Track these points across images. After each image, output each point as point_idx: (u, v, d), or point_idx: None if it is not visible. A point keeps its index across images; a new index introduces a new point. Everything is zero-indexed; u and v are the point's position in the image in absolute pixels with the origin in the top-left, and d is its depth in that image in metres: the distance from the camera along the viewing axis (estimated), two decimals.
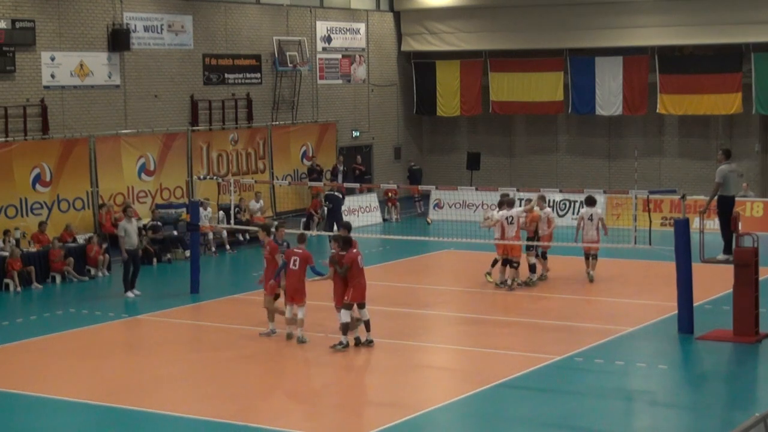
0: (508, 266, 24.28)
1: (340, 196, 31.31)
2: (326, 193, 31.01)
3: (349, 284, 19.03)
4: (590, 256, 25.27)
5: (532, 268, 24.62)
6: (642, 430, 15.27)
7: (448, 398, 16.29)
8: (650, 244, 20.79)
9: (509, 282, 24.27)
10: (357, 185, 29.94)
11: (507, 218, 24.02)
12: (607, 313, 22.08)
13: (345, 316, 19.01)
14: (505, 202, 24.35)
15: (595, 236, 24.97)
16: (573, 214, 33.57)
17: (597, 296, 24.06)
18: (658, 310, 21.61)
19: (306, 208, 34.30)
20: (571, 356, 18.40)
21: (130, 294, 24.06)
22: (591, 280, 25.17)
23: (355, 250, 19.28)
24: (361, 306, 19.05)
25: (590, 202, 25.20)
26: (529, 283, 24.48)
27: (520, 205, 25.18)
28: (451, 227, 29.55)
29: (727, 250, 20.43)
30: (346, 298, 19.04)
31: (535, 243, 24.52)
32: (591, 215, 24.98)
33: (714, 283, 22.90)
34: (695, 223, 24.32)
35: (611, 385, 17.07)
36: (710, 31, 35.95)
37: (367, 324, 19.12)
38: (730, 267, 19.97)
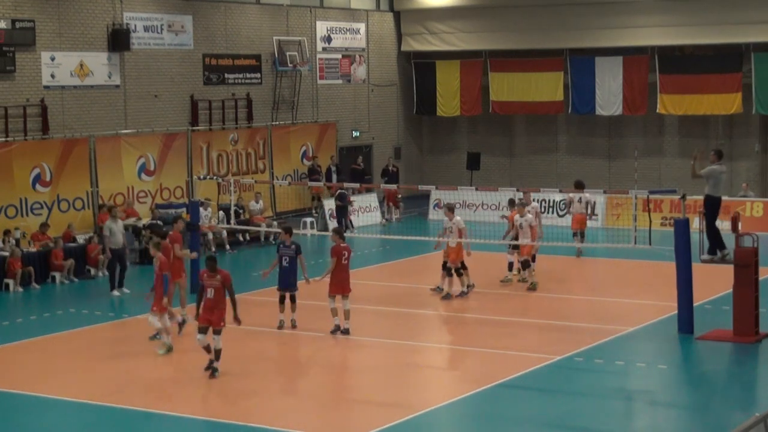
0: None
1: (349, 194, 31.41)
2: (339, 191, 31.01)
3: (213, 306, 17.33)
4: (579, 233, 28.44)
5: (524, 264, 24.53)
6: (642, 430, 15.28)
7: (448, 398, 16.30)
8: (650, 244, 20.79)
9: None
10: (357, 185, 29.93)
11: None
12: (607, 313, 22.08)
13: (155, 321, 19.03)
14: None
15: (584, 213, 28.62)
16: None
17: (597, 296, 24.07)
18: (658, 310, 21.61)
19: (306, 207, 34.36)
20: (571, 356, 18.40)
21: (115, 292, 24.26)
22: (579, 254, 28.16)
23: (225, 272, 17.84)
24: (217, 332, 17.31)
25: (579, 185, 28.32)
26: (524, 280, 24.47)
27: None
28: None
29: (712, 250, 20.43)
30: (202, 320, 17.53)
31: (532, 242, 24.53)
32: (580, 198, 28.15)
33: (714, 283, 22.90)
34: (695, 223, 24.34)
35: (611, 385, 17.08)
36: (710, 31, 35.94)
37: (217, 353, 17.36)
38: (730, 267, 19.97)
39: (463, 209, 33.98)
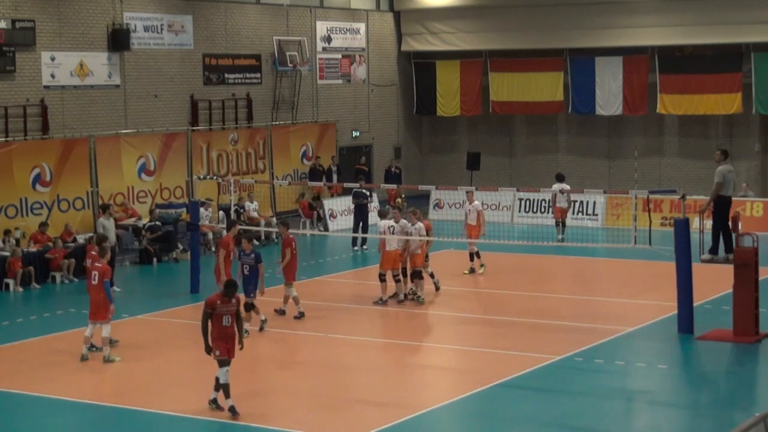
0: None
1: (368, 194, 31.22)
2: (355, 190, 30.87)
3: (232, 334, 15.84)
4: (561, 222, 30.91)
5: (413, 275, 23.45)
6: (642, 430, 15.28)
7: (448, 398, 16.30)
8: (650, 244, 20.78)
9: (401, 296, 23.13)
10: (358, 184, 29.87)
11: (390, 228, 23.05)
12: (607, 313, 22.08)
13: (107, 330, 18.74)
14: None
15: (565, 205, 31.20)
16: (573, 214, 33.58)
17: (597, 296, 24.07)
18: (658, 310, 21.61)
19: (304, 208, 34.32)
20: (571, 356, 18.40)
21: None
22: (562, 240, 30.01)
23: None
24: (228, 363, 15.69)
25: (560, 178, 31.56)
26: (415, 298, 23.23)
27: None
28: (451, 227, 29.52)
29: (714, 249, 20.40)
30: None
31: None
32: (561, 189, 29.83)
33: (714, 283, 22.90)
34: (695, 223, 24.34)
35: (611, 385, 17.08)
36: (710, 31, 35.95)
37: (227, 389, 15.59)
38: (730, 267, 19.97)
39: (463, 209, 33.96)
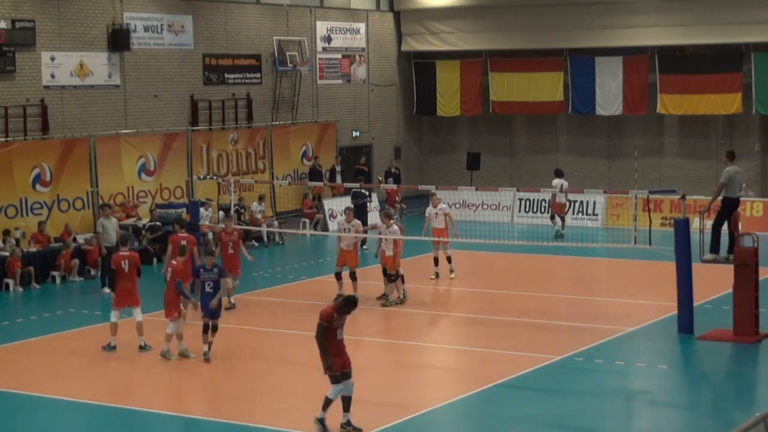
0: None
1: (367, 193, 31.15)
2: (354, 190, 30.78)
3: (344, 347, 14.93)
4: (560, 216, 31.87)
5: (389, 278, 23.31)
6: (642, 430, 15.29)
7: (448, 398, 16.31)
8: (650, 244, 20.79)
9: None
10: (358, 184, 29.84)
11: None
12: (607, 313, 22.08)
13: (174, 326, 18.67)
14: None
15: (564, 200, 32.40)
16: (573, 214, 33.61)
17: (597, 296, 24.07)
18: (658, 310, 21.61)
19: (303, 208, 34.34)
20: (571, 356, 18.40)
21: (106, 290, 24.32)
22: (562, 236, 31.10)
23: None
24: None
25: (559, 174, 32.58)
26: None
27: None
28: (451, 227, 29.47)
29: (714, 249, 20.36)
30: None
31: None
32: (561, 185, 31.01)
33: (714, 283, 22.89)
34: (695, 223, 24.35)
35: (611, 385, 17.08)
36: (710, 31, 35.94)
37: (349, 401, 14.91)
38: (730, 267, 19.96)
39: (463, 209, 34.01)
